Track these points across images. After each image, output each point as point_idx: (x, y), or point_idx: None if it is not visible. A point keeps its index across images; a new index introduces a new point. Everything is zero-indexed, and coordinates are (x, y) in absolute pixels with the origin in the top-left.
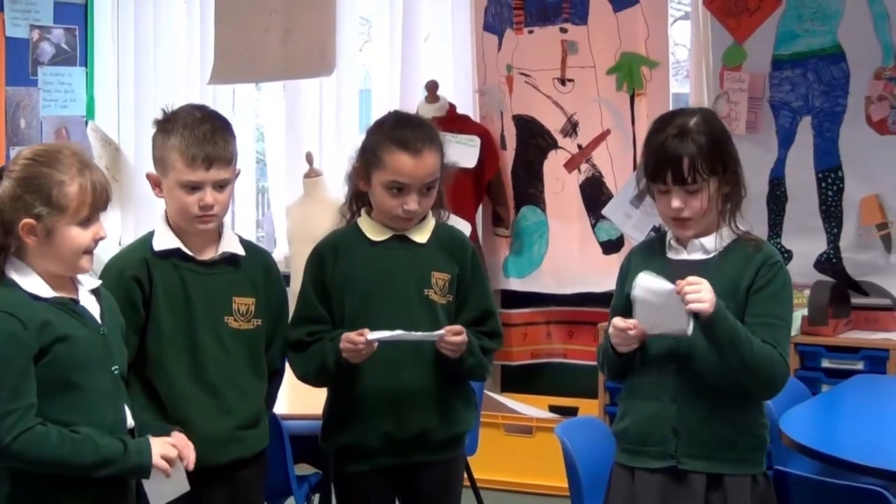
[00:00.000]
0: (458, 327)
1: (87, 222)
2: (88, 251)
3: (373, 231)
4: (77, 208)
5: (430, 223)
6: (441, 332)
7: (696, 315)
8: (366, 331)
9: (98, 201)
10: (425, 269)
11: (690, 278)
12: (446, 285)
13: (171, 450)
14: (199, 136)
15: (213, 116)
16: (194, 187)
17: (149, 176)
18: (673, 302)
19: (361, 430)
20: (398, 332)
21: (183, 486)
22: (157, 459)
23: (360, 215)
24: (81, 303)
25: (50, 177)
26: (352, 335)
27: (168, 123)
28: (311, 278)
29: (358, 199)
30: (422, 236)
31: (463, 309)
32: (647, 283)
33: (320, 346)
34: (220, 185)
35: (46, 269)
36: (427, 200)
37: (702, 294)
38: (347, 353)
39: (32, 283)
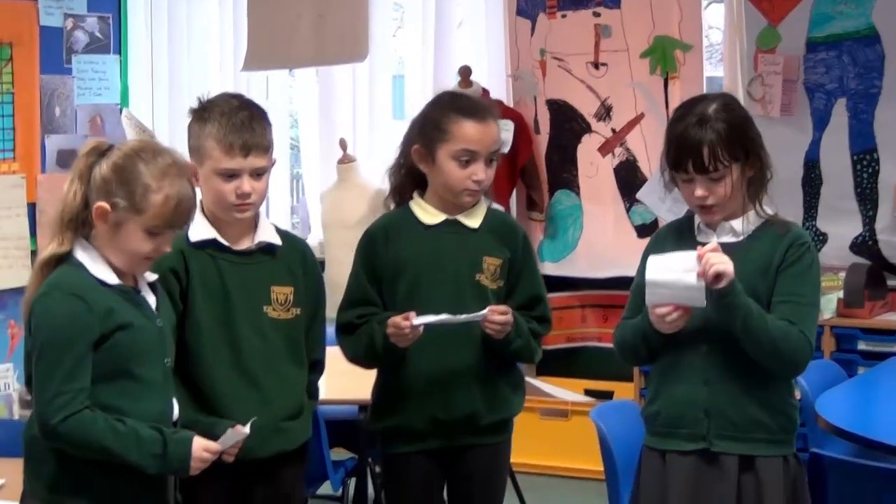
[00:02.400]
0: (503, 307)
1: (155, 233)
2: (148, 258)
3: (426, 214)
4: (152, 217)
5: (483, 208)
6: (485, 311)
7: (711, 288)
8: (412, 314)
9: (175, 219)
10: (477, 254)
11: (712, 244)
12: (497, 270)
13: (209, 456)
14: (236, 124)
15: (250, 104)
16: (232, 175)
17: None
18: (684, 280)
19: (409, 412)
20: (443, 316)
21: (243, 434)
22: (195, 464)
23: (410, 199)
24: (142, 294)
25: (142, 176)
26: (397, 320)
27: (204, 112)
28: (362, 261)
29: (403, 188)
30: (474, 221)
31: (512, 294)
32: (661, 262)
33: (368, 329)
34: (258, 173)
35: (109, 256)
36: (490, 172)
37: (723, 258)
38: (394, 337)
39: (99, 268)
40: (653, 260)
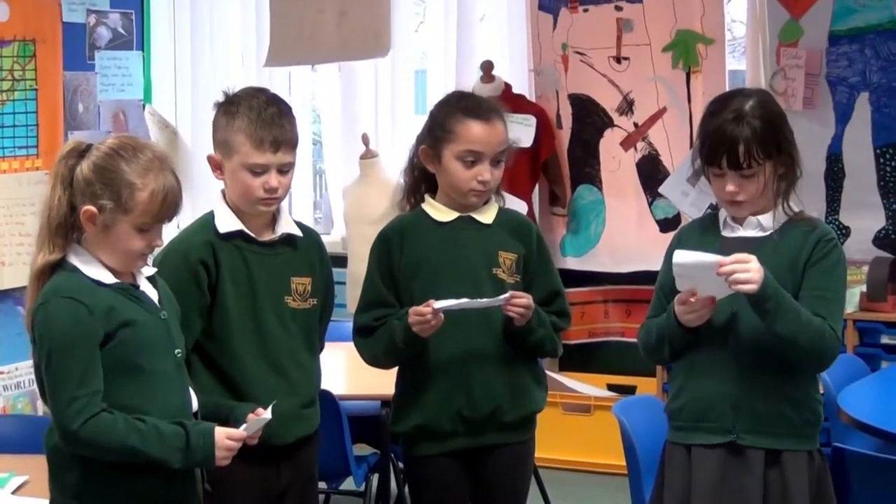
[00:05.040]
0: (523, 293)
1: (145, 229)
2: (143, 254)
3: (438, 213)
4: (140, 214)
5: (494, 206)
6: (507, 295)
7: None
8: (432, 301)
9: (163, 213)
10: (493, 249)
11: (737, 255)
12: (513, 265)
13: (233, 444)
14: (266, 120)
15: (277, 100)
16: (260, 170)
17: (210, 158)
18: (714, 275)
19: (433, 409)
20: (464, 300)
21: (265, 420)
22: (219, 454)
23: (423, 200)
24: (141, 288)
25: (125, 175)
26: (419, 308)
27: (232, 106)
28: (377, 263)
29: (416, 190)
30: (487, 217)
31: (530, 290)
32: (686, 259)
33: (387, 327)
34: (284, 169)
35: (102, 257)
36: (497, 173)
37: (750, 275)
38: (417, 326)
39: (94, 269)
40: (678, 257)
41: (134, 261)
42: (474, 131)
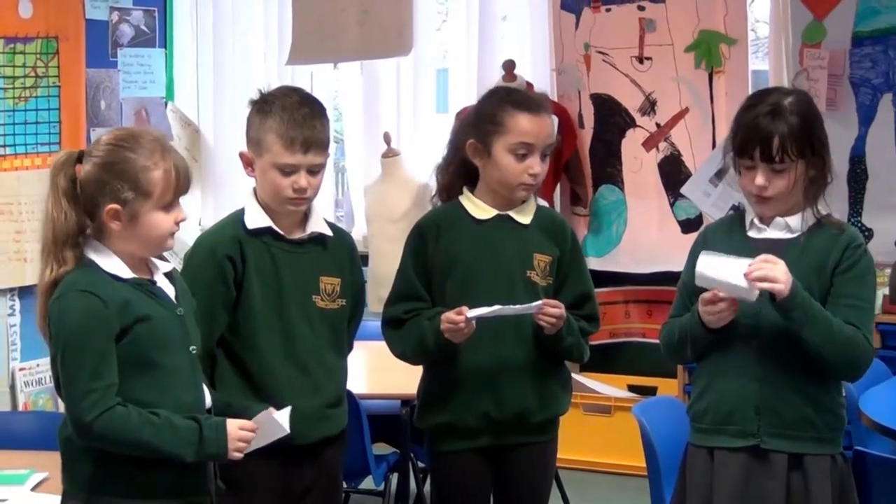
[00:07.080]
0: (556, 301)
1: (169, 206)
2: (172, 233)
3: (477, 209)
4: (162, 193)
5: (533, 205)
6: (539, 303)
7: (771, 295)
8: (464, 309)
9: (181, 186)
10: (528, 250)
11: (765, 256)
12: (547, 267)
13: (246, 434)
14: (297, 120)
15: (311, 100)
16: (290, 170)
17: (242, 155)
18: (739, 281)
19: (460, 409)
20: (496, 308)
21: (282, 430)
22: (232, 445)
23: (460, 193)
24: (158, 284)
25: (135, 162)
26: (451, 315)
27: (265, 105)
28: (411, 255)
29: (451, 188)
30: (525, 217)
31: (561, 292)
32: (711, 270)
33: (417, 325)
34: (315, 170)
35: (128, 251)
36: (545, 167)
37: (776, 274)
38: (449, 333)
39: (111, 263)
40: (704, 259)
41: (164, 242)
42: (526, 124)
